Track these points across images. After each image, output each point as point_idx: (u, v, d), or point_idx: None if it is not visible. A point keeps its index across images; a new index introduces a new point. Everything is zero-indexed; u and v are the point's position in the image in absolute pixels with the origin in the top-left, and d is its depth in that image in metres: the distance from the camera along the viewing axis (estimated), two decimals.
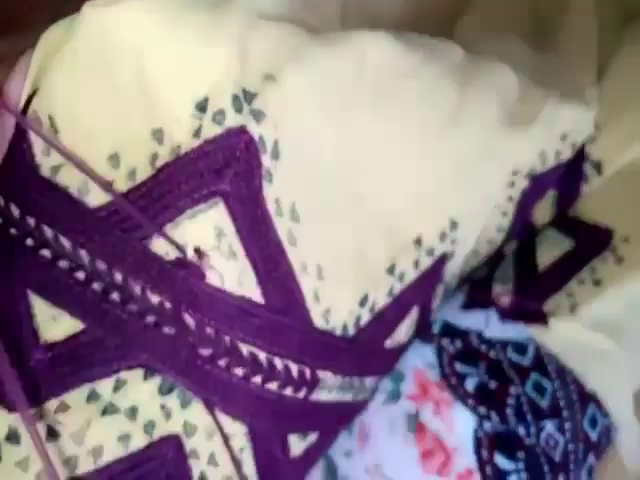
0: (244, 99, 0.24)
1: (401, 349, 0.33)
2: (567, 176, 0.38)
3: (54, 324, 0.24)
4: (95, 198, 0.24)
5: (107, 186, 0.24)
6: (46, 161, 0.25)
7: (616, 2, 0.41)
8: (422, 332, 0.35)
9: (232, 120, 0.24)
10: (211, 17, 0.24)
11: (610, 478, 0.36)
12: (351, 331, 0.29)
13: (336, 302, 0.28)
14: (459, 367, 0.34)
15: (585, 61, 0.37)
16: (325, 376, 0.28)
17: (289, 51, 0.25)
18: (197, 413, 0.25)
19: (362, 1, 0.33)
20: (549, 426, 0.33)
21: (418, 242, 0.31)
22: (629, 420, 0.35)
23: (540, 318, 0.35)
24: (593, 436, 0.34)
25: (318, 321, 0.27)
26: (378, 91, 0.27)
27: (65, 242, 0.24)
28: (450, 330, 0.35)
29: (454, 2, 0.39)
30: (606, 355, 0.34)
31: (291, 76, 0.25)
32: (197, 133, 0.24)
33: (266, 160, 0.24)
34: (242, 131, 0.24)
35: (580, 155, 0.38)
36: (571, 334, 0.34)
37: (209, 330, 0.24)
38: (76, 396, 0.24)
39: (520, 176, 0.35)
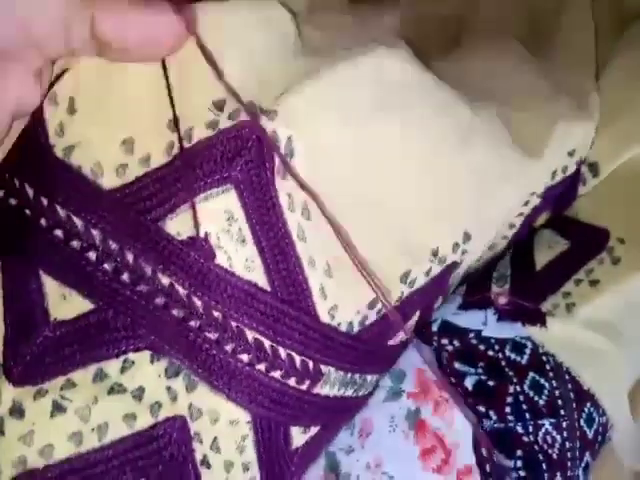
0: (260, 110, 0.25)
1: (402, 345, 0.34)
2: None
3: (64, 303, 0.25)
4: (109, 180, 0.25)
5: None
6: (60, 141, 0.25)
7: (613, 4, 0.42)
8: (422, 331, 0.36)
9: (246, 116, 0.25)
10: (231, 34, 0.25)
11: (606, 475, 0.36)
12: (356, 329, 0.29)
13: (344, 301, 0.28)
14: (458, 366, 0.35)
15: (585, 66, 0.38)
16: (328, 370, 0.28)
17: (305, 69, 0.26)
18: (203, 397, 0.25)
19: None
20: (547, 424, 0.33)
21: (435, 254, 0.31)
22: (625, 418, 0.36)
23: (538, 318, 0.35)
24: (590, 434, 0.34)
25: (324, 316, 0.27)
26: (394, 104, 0.28)
27: (77, 221, 0.25)
28: (449, 329, 0.36)
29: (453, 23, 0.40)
30: (602, 354, 0.35)
31: (306, 86, 0.26)
32: (212, 125, 0.25)
33: (279, 154, 0.25)
34: (254, 123, 0.25)
35: None
36: (568, 334, 0.35)
37: (216, 313, 0.25)
38: (83, 375, 0.25)
39: (535, 196, 0.36)
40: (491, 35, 0.38)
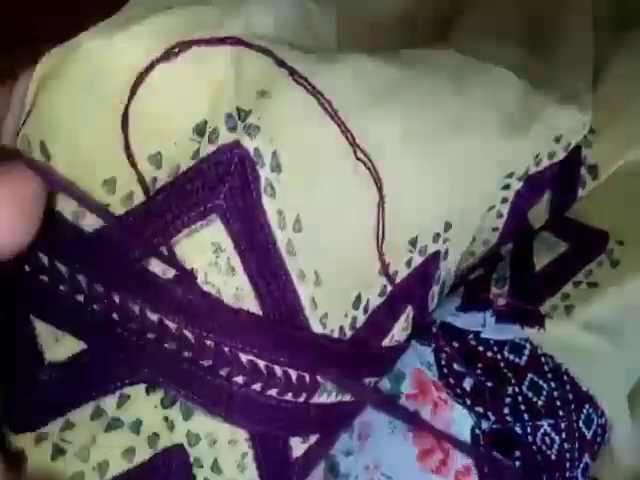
0: (238, 117, 0.24)
1: (399, 348, 0.34)
2: (563, 180, 0.38)
3: (57, 345, 0.25)
4: (90, 222, 0.24)
5: (103, 212, 0.24)
6: None
7: (613, 4, 0.41)
8: (420, 332, 0.36)
9: (225, 137, 0.24)
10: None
11: (607, 476, 0.36)
12: (348, 333, 0.29)
13: (332, 306, 0.28)
14: (457, 367, 0.35)
15: (581, 66, 0.37)
16: (324, 380, 0.28)
17: (283, 66, 0.25)
18: (200, 423, 0.25)
19: (358, 13, 0.34)
20: (545, 425, 0.34)
21: (413, 243, 0.31)
22: (624, 420, 0.36)
23: (536, 320, 0.35)
24: (588, 435, 0.34)
25: (316, 327, 0.27)
26: (378, 99, 0.28)
27: (61, 267, 0.24)
28: (447, 330, 0.36)
29: (449, 7, 0.39)
30: (601, 356, 0.35)
31: (286, 90, 0.25)
32: (195, 155, 0.24)
33: (265, 172, 0.25)
34: (235, 146, 0.24)
35: (576, 159, 0.38)
36: (567, 336, 0.35)
37: (209, 342, 0.24)
38: (81, 414, 0.24)
39: (515, 178, 0.35)
40: (487, 33, 0.37)
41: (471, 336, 0.35)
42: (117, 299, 0.24)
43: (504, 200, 0.36)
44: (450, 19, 0.39)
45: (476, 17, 0.38)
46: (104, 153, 0.24)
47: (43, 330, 0.25)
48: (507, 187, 0.36)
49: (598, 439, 0.35)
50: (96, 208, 0.24)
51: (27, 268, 0.25)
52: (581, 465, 0.34)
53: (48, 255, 0.24)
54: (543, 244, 0.38)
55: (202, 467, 0.26)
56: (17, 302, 0.25)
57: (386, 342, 0.32)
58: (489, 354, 0.35)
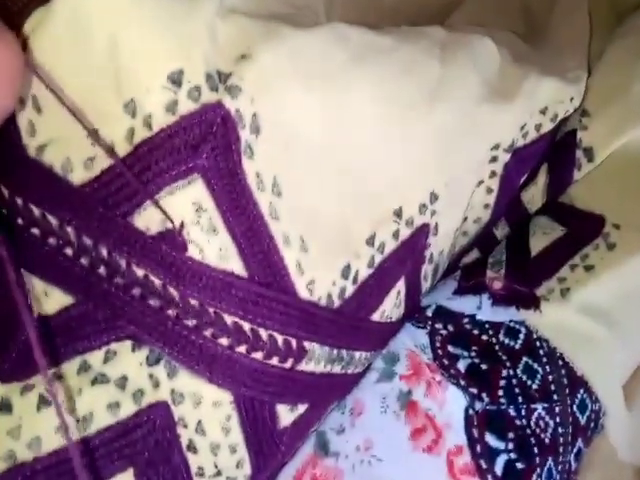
0: (219, 79, 0.25)
1: (391, 326, 0.34)
2: (559, 163, 0.38)
3: (46, 299, 0.25)
4: (79, 175, 0.25)
5: (110, 151, 0.24)
6: (32, 141, 0.25)
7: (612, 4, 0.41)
8: (415, 315, 0.36)
9: (208, 96, 0.24)
10: None
11: (608, 473, 0.36)
12: (336, 302, 0.29)
13: (320, 273, 0.28)
14: (451, 348, 0.35)
15: (574, 46, 0.38)
16: (312, 347, 0.28)
17: (263, 30, 0.26)
18: (184, 382, 0.26)
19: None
20: (540, 409, 0.33)
21: (398, 214, 0.31)
22: (619, 407, 0.35)
23: (532, 302, 0.35)
24: (582, 420, 0.34)
25: (303, 292, 0.27)
26: (360, 63, 0.28)
27: (52, 220, 0.25)
28: (443, 313, 0.36)
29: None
30: (596, 341, 0.35)
31: (267, 52, 0.25)
32: (172, 107, 0.24)
33: (245, 134, 0.25)
34: (218, 106, 0.24)
35: (572, 142, 0.38)
36: (562, 319, 0.35)
37: (193, 302, 0.25)
38: (68, 367, 0.25)
39: (501, 150, 0.35)
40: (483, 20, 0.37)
41: (466, 320, 0.35)
42: (104, 252, 0.25)
43: (493, 174, 0.36)
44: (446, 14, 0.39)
45: (472, 7, 0.38)
46: (86, 102, 0.24)
47: (34, 284, 0.26)
48: (494, 160, 0.36)
49: (592, 425, 0.35)
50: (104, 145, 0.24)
51: (20, 221, 0.26)
52: (574, 450, 0.34)
53: (39, 208, 0.25)
54: (540, 228, 0.38)
55: (186, 427, 0.26)
56: (9, 254, 0.26)
57: (377, 317, 0.32)
58: (484, 337, 0.35)
